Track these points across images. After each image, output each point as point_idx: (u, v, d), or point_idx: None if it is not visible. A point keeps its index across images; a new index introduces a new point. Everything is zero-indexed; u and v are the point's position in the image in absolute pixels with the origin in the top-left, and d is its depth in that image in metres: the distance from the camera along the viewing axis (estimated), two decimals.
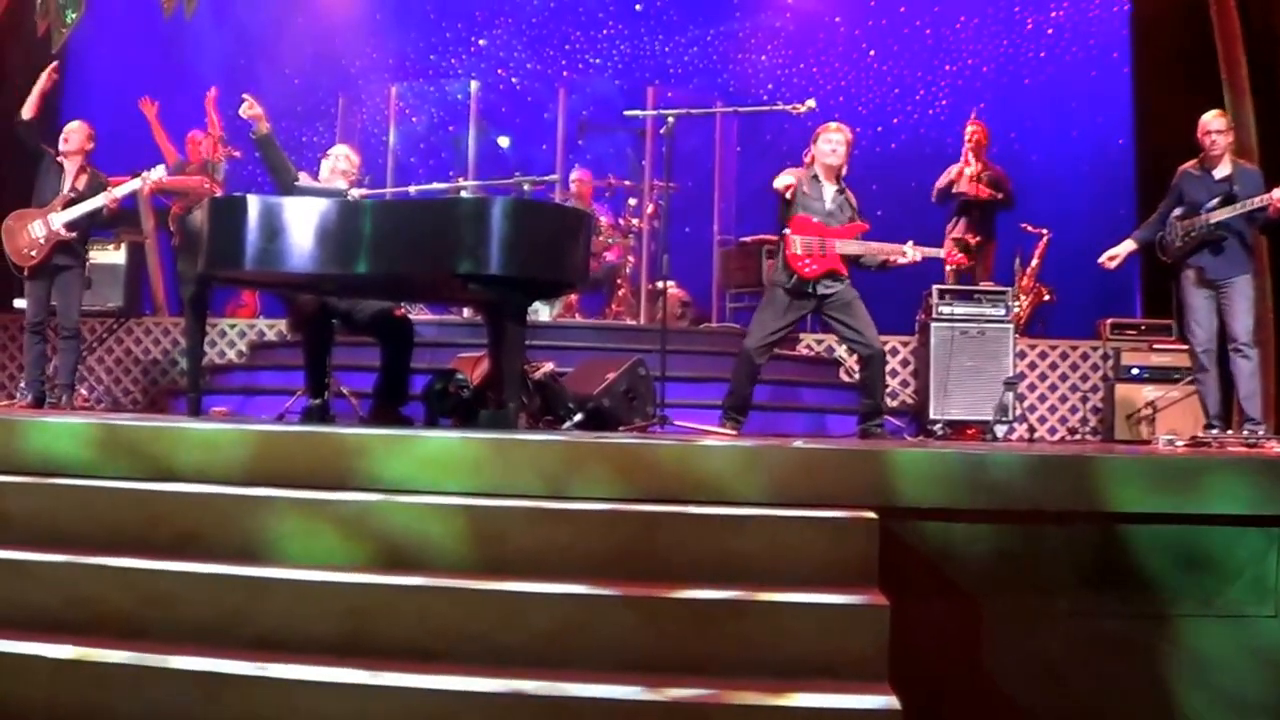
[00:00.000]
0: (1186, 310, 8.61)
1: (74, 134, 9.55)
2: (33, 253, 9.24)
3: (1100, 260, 8.91)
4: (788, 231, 8.14)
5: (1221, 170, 8.57)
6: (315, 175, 8.49)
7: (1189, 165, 8.73)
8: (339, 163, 8.38)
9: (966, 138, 11.86)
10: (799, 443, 5.90)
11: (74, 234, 9.28)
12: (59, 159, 9.49)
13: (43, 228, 9.22)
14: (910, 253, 8.33)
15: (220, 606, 4.43)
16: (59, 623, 4.46)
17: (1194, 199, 8.56)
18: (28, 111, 9.45)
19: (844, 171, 8.40)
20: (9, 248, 9.30)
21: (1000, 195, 11.68)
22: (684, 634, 4.21)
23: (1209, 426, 8.45)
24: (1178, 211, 8.64)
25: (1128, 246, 8.87)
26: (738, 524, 4.70)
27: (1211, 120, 8.61)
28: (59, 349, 9.61)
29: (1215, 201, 8.41)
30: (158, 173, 9.44)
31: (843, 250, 8.13)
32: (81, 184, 9.38)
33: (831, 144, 8.31)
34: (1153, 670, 5.13)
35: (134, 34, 13.77)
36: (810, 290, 8.11)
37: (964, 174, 11.59)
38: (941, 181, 11.73)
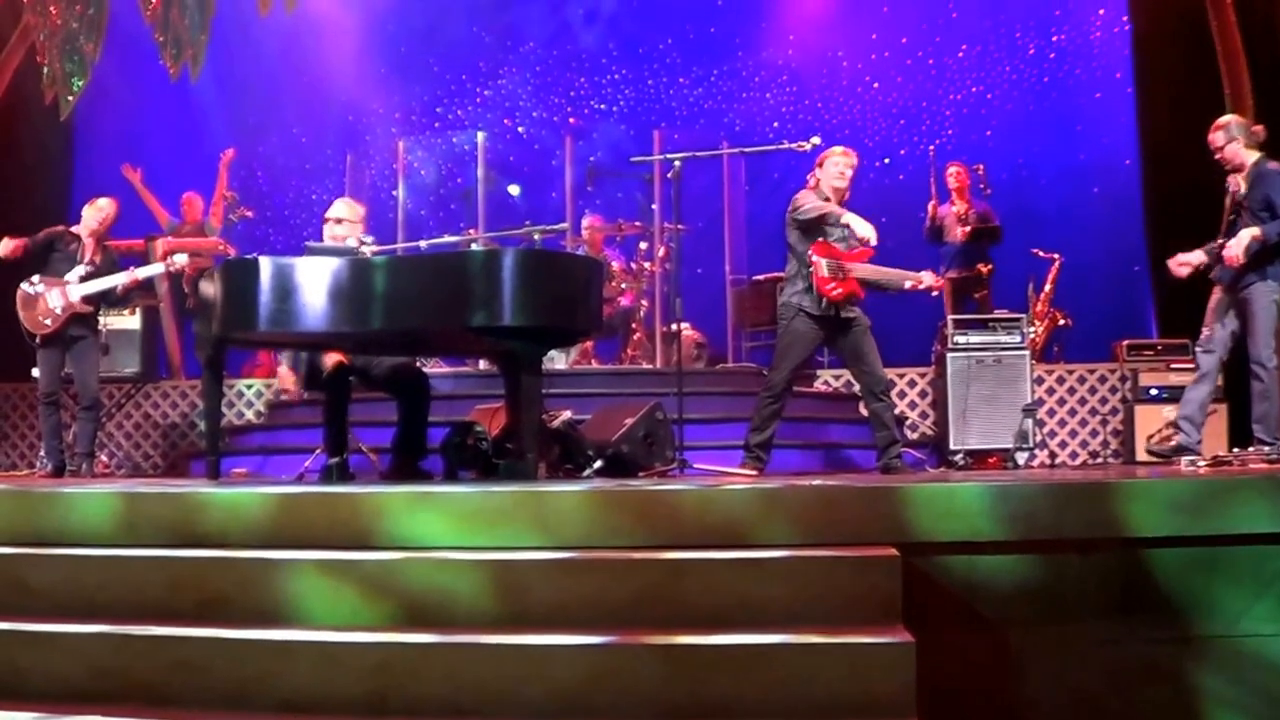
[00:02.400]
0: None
1: (99, 211, 9.60)
2: (47, 321, 9.29)
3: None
4: (814, 255, 8.16)
5: (1239, 174, 8.22)
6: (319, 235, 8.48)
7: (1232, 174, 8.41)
8: (351, 226, 8.32)
9: (949, 181, 11.93)
10: (818, 482, 5.89)
11: (90, 308, 9.35)
12: (74, 230, 9.55)
13: (60, 298, 9.28)
14: (928, 279, 8.35)
15: (246, 671, 4.43)
16: (85, 693, 4.46)
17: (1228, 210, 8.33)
18: (11, 252, 9.44)
19: (846, 196, 8.41)
20: (24, 316, 9.35)
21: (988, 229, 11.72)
22: (710, 681, 4.19)
23: (1173, 424, 8.35)
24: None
25: (1197, 254, 8.35)
26: (759, 567, 4.69)
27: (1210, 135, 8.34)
28: (78, 419, 9.63)
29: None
30: (182, 259, 9.49)
31: (859, 275, 8.16)
32: (99, 259, 9.45)
33: (839, 167, 8.30)
34: (1184, 694, 5.10)
35: (141, 98, 13.88)
36: (833, 314, 8.13)
37: (951, 214, 11.66)
38: (927, 223, 11.83)
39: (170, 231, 12.11)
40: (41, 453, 9.96)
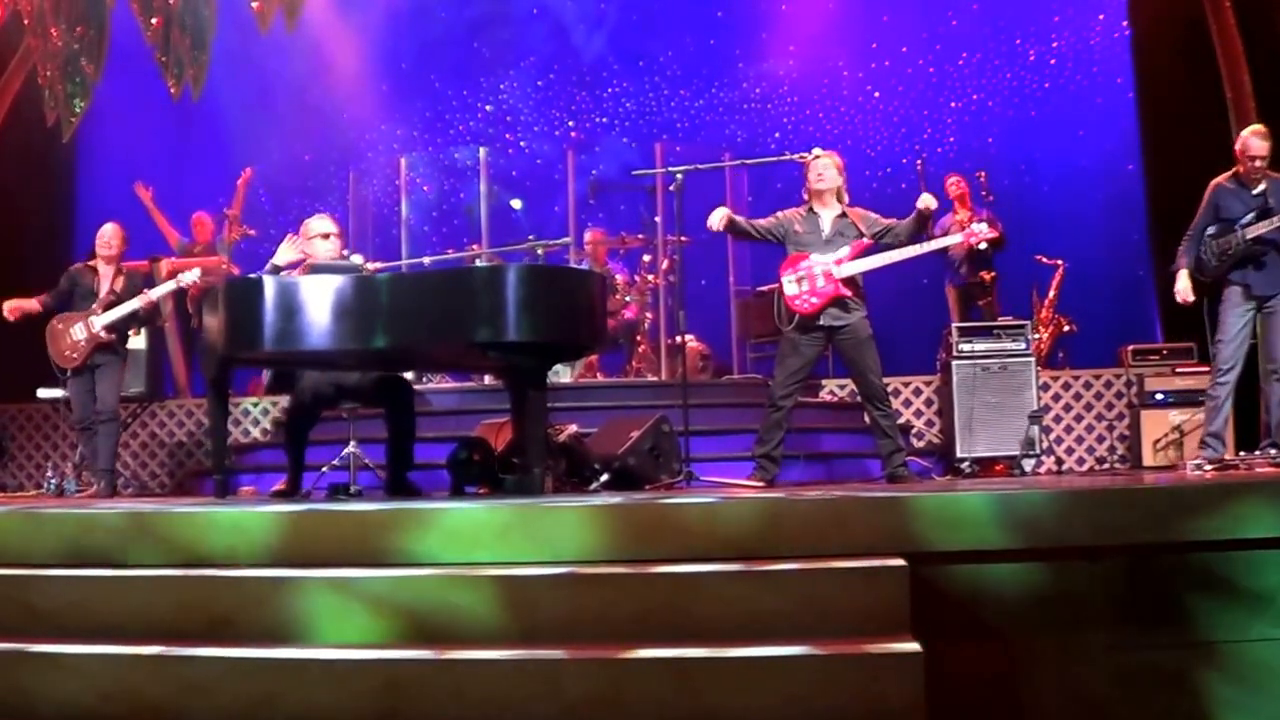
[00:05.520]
0: (1221, 326, 8.39)
1: (113, 238, 9.71)
2: (73, 354, 9.40)
3: (1180, 300, 8.63)
4: (780, 274, 8.19)
5: (1259, 184, 8.38)
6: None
7: (1223, 179, 8.53)
8: (333, 242, 8.26)
9: (950, 190, 11.95)
10: (822, 493, 5.88)
11: (113, 336, 9.42)
12: (93, 263, 9.63)
13: (83, 330, 9.41)
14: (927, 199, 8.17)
15: (255, 690, 4.42)
16: (94, 715, 4.47)
17: (1229, 214, 8.39)
18: (33, 307, 9.67)
19: (845, 196, 8.39)
20: (52, 350, 9.48)
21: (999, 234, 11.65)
22: (719, 694, 4.18)
23: (1203, 444, 8.38)
24: (1212, 229, 8.45)
25: (1183, 276, 8.55)
26: (767, 579, 4.68)
27: (1253, 141, 8.38)
28: (98, 433, 9.65)
29: (1251, 216, 8.24)
30: (192, 275, 9.49)
31: (845, 274, 8.10)
32: (119, 285, 9.54)
33: (817, 170, 8.29)
34: (1194, 699, 5.08)
35: (142, 118, 13.91)
36: (818, 324, 8.11)
37: (955, 223, 11.56)
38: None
39: (181, 252, 12.13)
40: (49, 473, 10.00)
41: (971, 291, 11.90)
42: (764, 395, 8.47)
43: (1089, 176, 14.19)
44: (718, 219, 8.24)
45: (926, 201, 8.09)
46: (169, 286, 9.58)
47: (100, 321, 9.39)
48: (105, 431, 9.61)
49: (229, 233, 12.43)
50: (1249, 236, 8.22)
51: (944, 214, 11.89)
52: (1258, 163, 8.36)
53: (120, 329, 9.53)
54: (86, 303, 9.51)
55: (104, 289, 9.54)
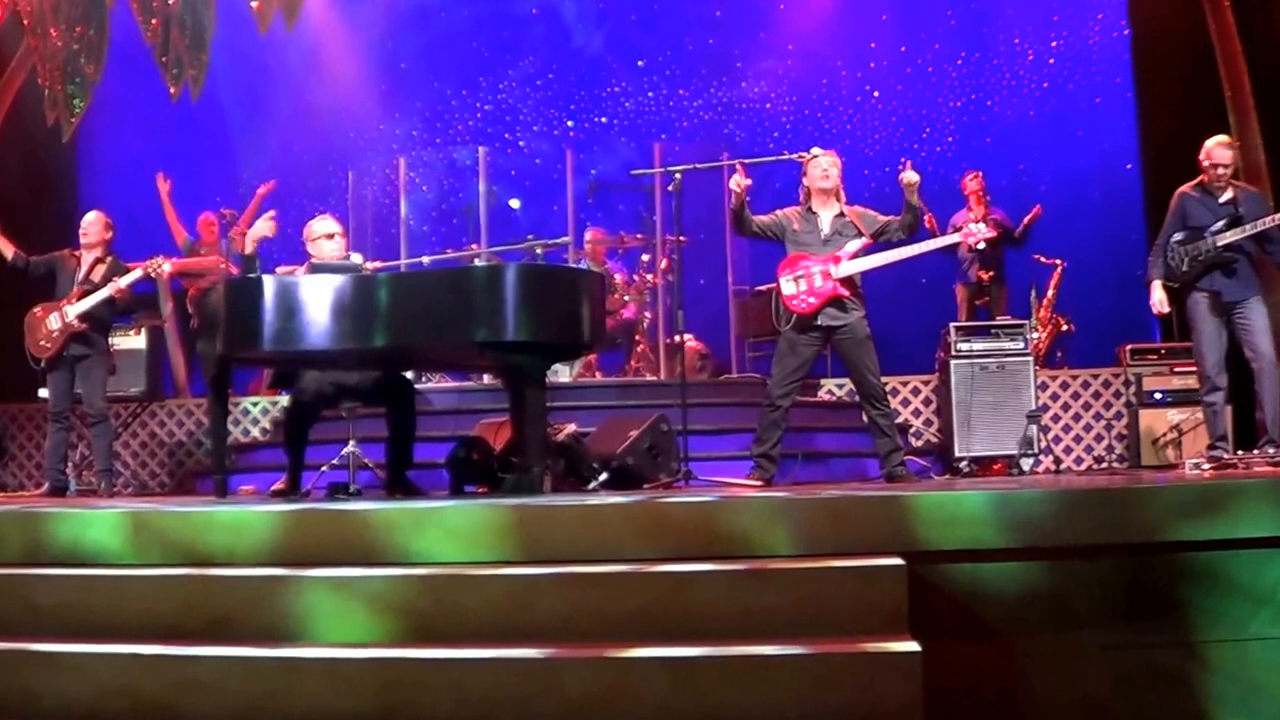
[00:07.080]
0: (1196, 334, 8.56)
1: (91, 226, 9.67)
2: (47, 344, 9.36)
3: (1156, 312, 8.84)
4: (777, 275, 8.19)
5: (1225, 193, 8.54)
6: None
7: (1187, 188, 8.67)
8: (337, 241, 8.28)
9: (966, 187, 11.99)
10: (821, 492, 5.89)
11: (86, 324, 9.37)
12: (76, 252, 9.60)
13: (58, 319, 9.34)
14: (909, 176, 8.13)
15: (254, 689, 4.43)
16: (96, 713, 4.48)
17: (1197, 222, 8.52)
18: (7, 252, 9.67)
19: (842, 195, 8.38)
20: (28, 340, 9.43)
21: (999, 233, 11.62)
22: (717, 693, 4.19)
23: (1212, 448, 8.43)
24: (1178, 236, 8.58)
25: (1157, 288, 8.69)
26: (765, 578, 4.69)
27: (1219, 151, 8.56)
28: (91, 435, 9.68)
29: (1221, 224, 8.38)
30: (157, 261, 9.48)
31: (843, 274, 8.09)
32: (98, 274, 9.47)
33: (822, 168, 8.28)
34: (1192, 699, 5.09)
35: (142, 119, 13.92)
36: (815, 323, 8.11)
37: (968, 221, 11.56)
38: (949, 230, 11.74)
39: (185, 251, 12.13)
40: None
41: (981, 289, 11.96)
42: (762, 394, 8.47)
43: (1087, 176, 14.22)
44: (738, 183, 8.18)
45: (910, 177, 8.07)
46: (134, 275, 9.52)
47: (74, 310, 9.35)
48: (98, 432, 9.61)
49: (241, 237, 12.41)
50: (1220, 244, 8.34)
51: (958, 211, 11.93)
52: (1221, 170, 8.54)
53: (96, 319, 9.47)
54: (67, 288, 9.48)
55: (81, 276, 9.50)
